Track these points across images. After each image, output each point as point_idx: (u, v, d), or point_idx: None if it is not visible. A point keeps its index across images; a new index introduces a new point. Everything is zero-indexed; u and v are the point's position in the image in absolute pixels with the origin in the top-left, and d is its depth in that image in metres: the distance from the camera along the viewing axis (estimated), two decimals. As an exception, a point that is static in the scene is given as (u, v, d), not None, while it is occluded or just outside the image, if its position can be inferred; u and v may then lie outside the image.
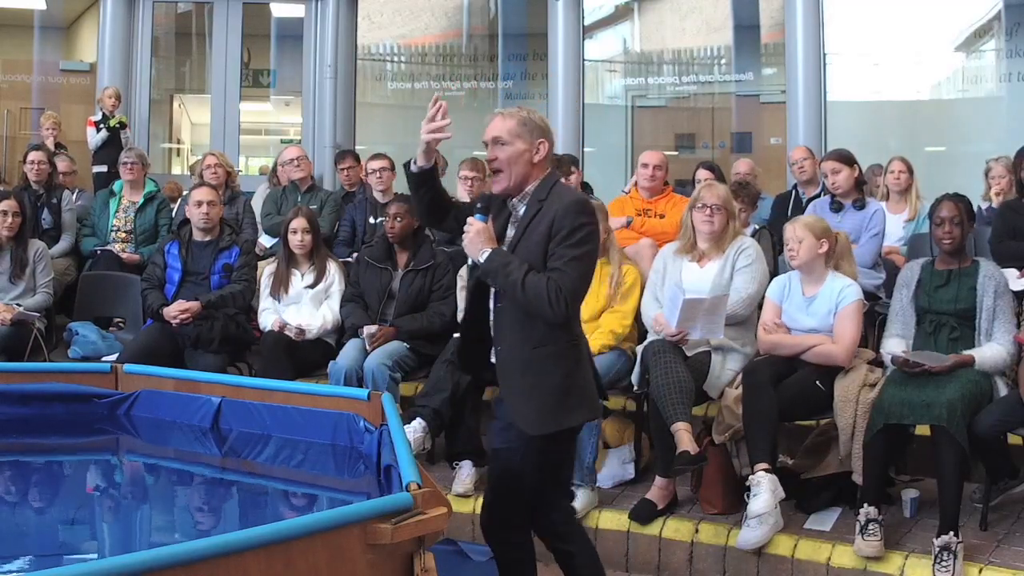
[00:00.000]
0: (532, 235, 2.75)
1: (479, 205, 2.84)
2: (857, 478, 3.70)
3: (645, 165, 5.55)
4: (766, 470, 3.63)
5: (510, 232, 2.84)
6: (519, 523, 2.95)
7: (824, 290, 3.98)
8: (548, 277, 2.68)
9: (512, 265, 2.71)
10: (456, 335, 4.54)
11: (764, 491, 3.60)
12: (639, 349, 4.17)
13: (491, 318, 2.87)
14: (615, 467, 4.28)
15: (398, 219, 4.86)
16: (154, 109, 9.03)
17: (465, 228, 2.78)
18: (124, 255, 5.85)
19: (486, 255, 2.74)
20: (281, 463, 3.20)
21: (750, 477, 3.67)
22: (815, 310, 3.98)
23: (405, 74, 9.49)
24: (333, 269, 5.11)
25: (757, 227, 5.43)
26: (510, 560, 3.00)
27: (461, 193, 5.98)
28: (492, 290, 2.84)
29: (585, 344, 2.94)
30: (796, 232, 3.98)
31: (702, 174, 5.80)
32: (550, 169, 2.86)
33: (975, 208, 5.26)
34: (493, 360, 2.87)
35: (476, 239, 2.77)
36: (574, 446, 3.08)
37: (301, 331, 4.87)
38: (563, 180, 2.96)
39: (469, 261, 2.78)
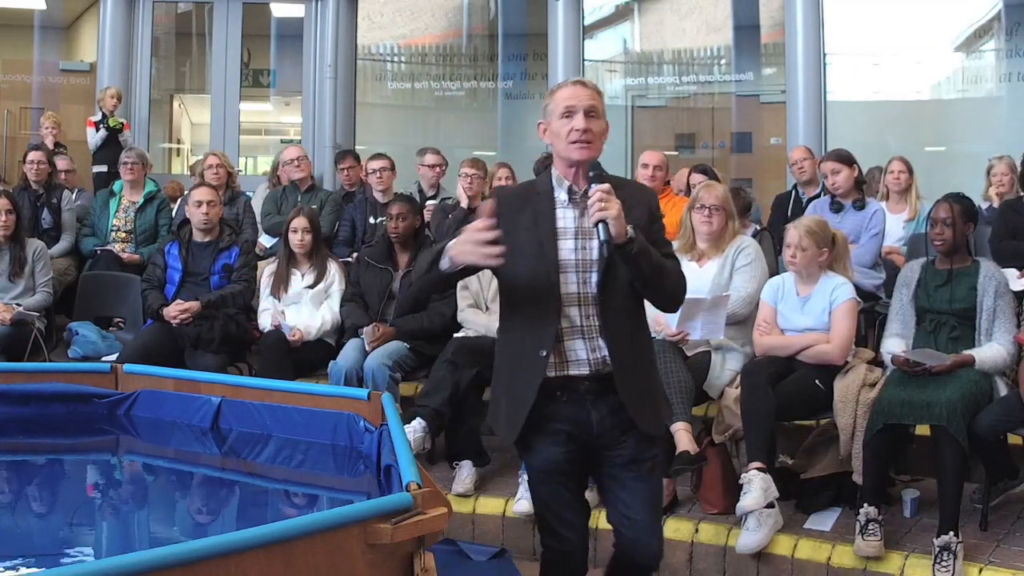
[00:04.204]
0: (629, 219, 2.41)
1: (592, 173, 2.45)
2: (857, 478, 3.70)
3: (645, 165, 5.55)
4: (759, 469, 3.63)
5: (562, 216, 2.51)
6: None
7: (818, 289, 3.99)
8: (673, 263, 2.54)
9: (650, 246, 2.44)
10: (457, 335, 4.55)
11: (754, 489, 3.59)
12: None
13: (588, 314, 2.49)
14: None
15: (400, 219, 4.86)
16: (154, 109, 9.03)
17: (597, 199, 2.35)
18: (124, 255, 5.85)
19: (634, 230, 2.38)
20: (281, 463, 3.20)
21: (742, 475, 3.68)
22: (810, 310, 3.98)
23: (405, 74, 9.49)
24: (333, 269, 5.11)
25: (758, 228, 5.44)
26: None
27: (461, 192, 6.00)
28: (589, 277, 2.48)
29: None
30: (801, 240, 3.96)
31: (696, 178, 5.79)
32: None
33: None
34: (581, 368, 2.50)
35: (622, 213, 2.36)
36: None
37: (298, 338, 4.85)
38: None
39: (602, 236, 2.33)
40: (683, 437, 3.70)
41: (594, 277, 2.50)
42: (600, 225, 2.35)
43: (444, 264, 2.40)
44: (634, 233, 2.36)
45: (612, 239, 2.34)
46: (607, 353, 2.49)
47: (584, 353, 2.50)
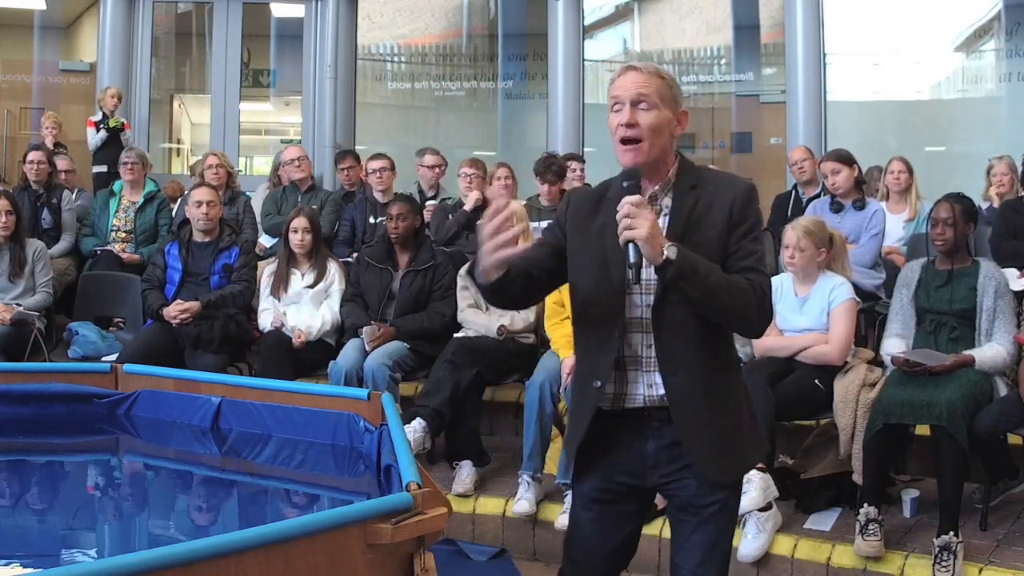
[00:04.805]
0: (701, 228, 2.13)
1: (626, 183, 2.10)
2: (857, 478, 3.70)
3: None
4: (759, 469, 3.63)
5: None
6: None
7: (816, 290, 3.99)
8: (748, 279, 2.10)
9: (704, 264, 2.06)
10: (457, 335, 4.55)
11: (753, 489, 3.59)
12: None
13: (642, 342, 2.18)
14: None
15: (400, 219, 4.86)
16: (154, 109, 9.04)
17: (626, 213, 2.03)
18: (124, 255, 5.85)
19: (675, 251, 2.02)
20: (281, 463, 3.20)
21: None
22: (808, 310, 3.98)
23: (405, 74, 9.49)
24: (333, 269, 5.11)
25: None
26: None
27: (463, 192, 6.00)
28: (642, 304, 2.17)
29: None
30: (799, 241, 3.96)
31: None
32: (678, 150, 2.26)
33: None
34: (638, 401, 2.20)
35: (655, 228, 2.03)
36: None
37: (302, 340, 4.84)
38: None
39: (632, 258, 2.04)
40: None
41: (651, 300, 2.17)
42: (631, 246, 2.05)
43: (479, 278, 2.16)
44: (673, 254, 2.01)
45: (640, 262, 2.05)
46: (662, 388, 2.17)
47: (642, 388, 2.20)
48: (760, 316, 2.13)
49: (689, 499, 2.21)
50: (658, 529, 3.87)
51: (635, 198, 2.04)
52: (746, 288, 2.09)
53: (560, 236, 2.29)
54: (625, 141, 2.14)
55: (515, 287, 2.20)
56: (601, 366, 2.20)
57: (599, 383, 2.20)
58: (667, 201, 2.18)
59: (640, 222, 2.02)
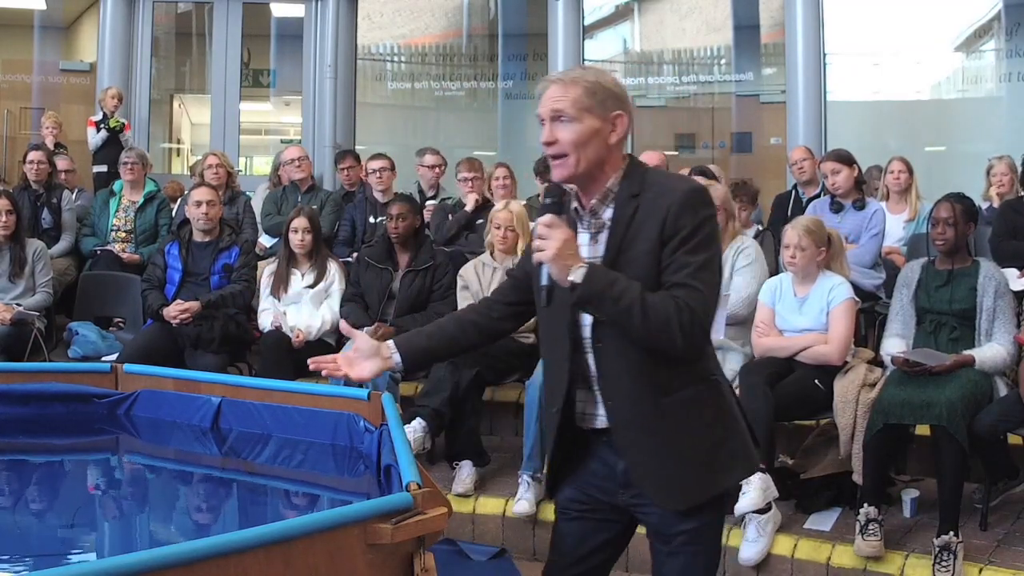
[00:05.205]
0: (636, 242, 2.01)
1: (548, 200, 2.02)
2: (857, 478, 3.69)
3: (645, 165, 5.54)
4: (759, 469, 3.63)
5: (584, 243, 2.08)
6: None
7: (816, 290, 3.99)
8: (674, 297, 1.95)
9: (620, 284, 1.94)
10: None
11: (753, 490, 3.59)
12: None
13: (590, 363, 2.09)
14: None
15: (400, 219, 4.86)
16: (154, 109, 9.04)
17: (538, 234, 1.97)
18: (124, 255, 5.85)
19: (582, 273, 1.93)
20: (281, 463, 3.20)
21: (742, 476, 3.68)
22: (807, 310, 3.98)
23: (405, 74, 9.49)
24: (333, 269, 5.11)
25: (760, 228, 5.44)
26: None
27: (463, 194, 5.99)
28: (584, 323, 2.08)
29: (724, 379, 2.19)
30: (800, 240, 3.96)
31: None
32: (628, 154, 2.12)
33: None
34: (600, 422, 2.12)
35: (564, 249, 1.94)
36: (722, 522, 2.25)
37: (301, 340, 4.84)
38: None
39: (544, 280, 1.99)
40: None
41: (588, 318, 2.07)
42: (543, 268, 1.98)
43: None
44: (580, 277, 1.93)
45: (552, 285, 1.98)
46: (604, 409, 2.10)
47: (601, 408, 2.12)
48: (686, 336, 1.95)
49: (656, 526, 2.13)
50: (658, 529, 3.87)
51: (546, 218, 1.97)
52: (667, 308, 1.94)
53: (526, 262, 2.23)
54: (553, 157, 2.05)
55: (443, 353, 2.36)
56: (557, 387, 2.15)
57: (554, 409, 2.16)
58: (609, 213, 2.06)
59: (549, 243, 1.94)
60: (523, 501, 4.02)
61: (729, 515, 3.81)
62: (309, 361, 2.36)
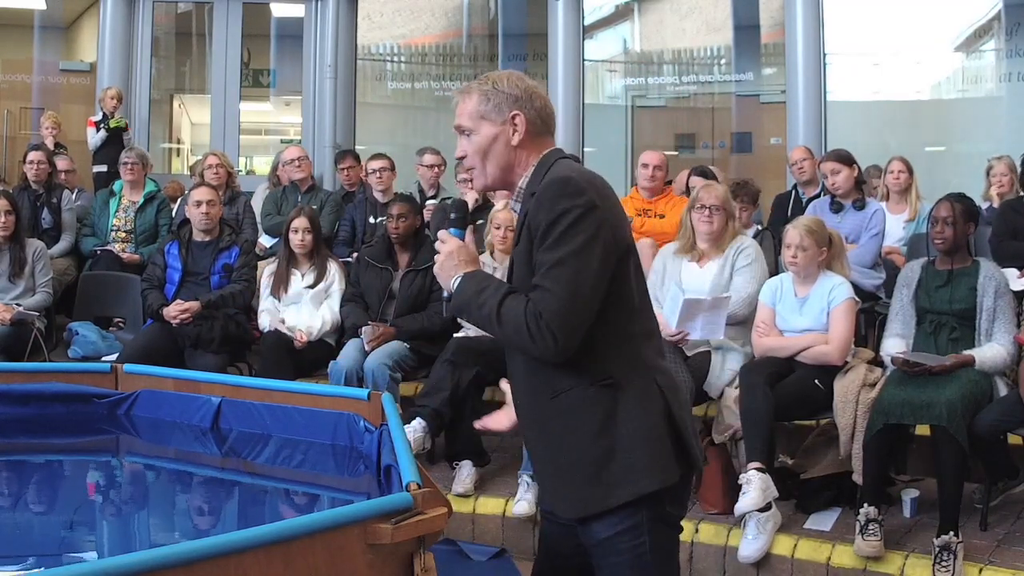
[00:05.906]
0: (521, 242, 1.99)
1: (453, 215, 2.10)
2: (857, 478, 3.70)
3: (645, 165, 5.56)
4: (759, 469, 3.64)
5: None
6: None
7: (816, 290, 3.99)
8: (527, 300, 1.88)
9: (487, 291, 1.93)
10: (456, 335, 4.55)
11: (753, 489, 3.60)
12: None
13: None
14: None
15: (401, 219, 4.86)
16: (154, 109, 9.03)
17: (436, 247, 2.03)
18: (124, 255, 5.85)
19: (456, 282, 1.97)
20: (281, 463, 3.20)
21: (741, 475, 3.68)
22: (808, 310, 3.98)
23: (405, 74, 9.49)
24: (333, 269, 5.11)
25: (760, 228, 5.44)
26: None
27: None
28: None
29: (644, 379, 1.97)
30: (801, 240, 3.96)
31: (695, 181, 5.78)
32: (550, 147, 2.06)
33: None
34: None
35: (447, 262, 1.99)
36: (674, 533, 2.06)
37: (304, 341, 4.83)
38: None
39: (445, 293, 2.04)
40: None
41: None
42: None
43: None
44: (454, 287, 1.97)
45: (450, 296, 2.02)
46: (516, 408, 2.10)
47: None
48: (537, 342, 1.86)
49: (582, 535, 2.02)
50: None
51: (440, 232, 2.03)
52: (518, 314, 1.87)
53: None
54: (466, 170, 2.08)
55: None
56: (510, 390, 2.14)
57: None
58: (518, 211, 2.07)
59: (439, 256, 2.00)
60: (523, 501, 4.02)
61: (729, 515, 3.83)
62: (476, 424, 2.31)
